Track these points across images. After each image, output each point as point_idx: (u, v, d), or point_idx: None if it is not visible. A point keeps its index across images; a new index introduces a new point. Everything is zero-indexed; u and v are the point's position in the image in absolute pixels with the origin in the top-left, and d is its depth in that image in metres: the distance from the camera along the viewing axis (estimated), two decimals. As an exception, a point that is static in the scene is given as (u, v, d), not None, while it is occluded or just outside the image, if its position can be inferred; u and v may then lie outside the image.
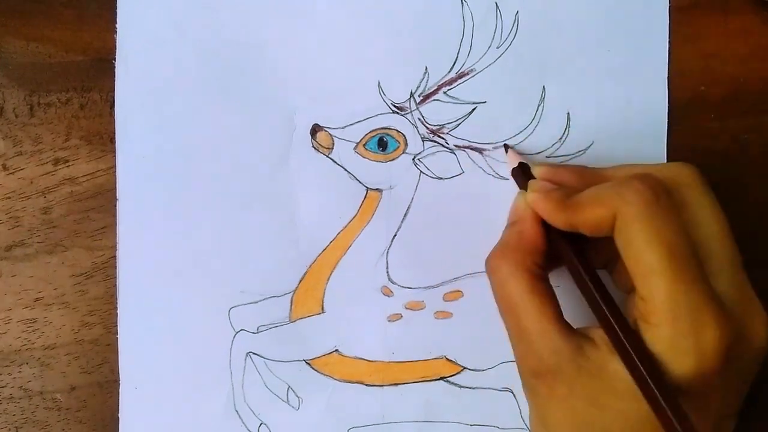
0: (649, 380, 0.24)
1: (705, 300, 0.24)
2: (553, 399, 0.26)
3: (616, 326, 0.25)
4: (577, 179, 0.30)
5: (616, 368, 0.25)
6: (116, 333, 0.35)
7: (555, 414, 0.27)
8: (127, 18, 0.35)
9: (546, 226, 0.29)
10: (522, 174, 0.33)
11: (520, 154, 0.35)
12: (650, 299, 0.25)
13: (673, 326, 0.24)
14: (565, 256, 0.29)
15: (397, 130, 0.36)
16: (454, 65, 0.36)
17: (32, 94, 0.35)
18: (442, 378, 0.36)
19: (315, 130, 0.35)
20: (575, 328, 0.28)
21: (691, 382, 0.24)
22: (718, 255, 0.27)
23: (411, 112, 0.36)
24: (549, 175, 0.31)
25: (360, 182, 0.36)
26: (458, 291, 0.36)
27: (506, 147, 0.35)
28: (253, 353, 0.35)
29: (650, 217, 0.25)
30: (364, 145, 0.35)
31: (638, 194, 0.25)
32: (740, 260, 0.27)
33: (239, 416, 0.35)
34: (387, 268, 0.36)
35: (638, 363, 0.24)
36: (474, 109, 0.36)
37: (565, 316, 0.28)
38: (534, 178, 0.32)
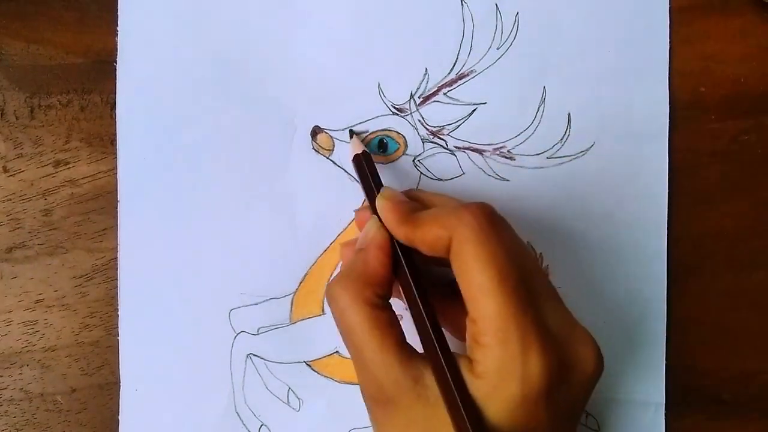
0: (466, 420, 0.24)
1: (533, 325, 0.25)
2: (393, 426, 0.27)
3: (440, 355, 0.26)
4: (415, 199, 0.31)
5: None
6: (117, 335, 0.35)
7: None
8: (128, 20, 0.35)
9: (393, 254, 0.29)
10: (366, 166, 0.32)
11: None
12: (480, 320, 0.25)
13: (503, 347, 0.25)
14: (400, 275, 0.29)
15: (397, 132, 0.36)
16: (454, 66, 0.36)
17: (33, 96, 0.35)
18: (442, 379, 0.36)
19: (315, 131, 0.35)
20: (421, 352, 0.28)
21: (517, 409, 0.24)
22: (546, 286, 0.28)
23: (411, 113, 0.36)
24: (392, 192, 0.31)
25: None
26: (459, 292, 0.36)
27: (351, 132, 0.35)
28: (254, 355, 0.35)
29: (484, 241, 0.26)
30: (364, 147, 0.35)
31: (475, 218, 0.26)
32: (559, 296, 0.28)
33: (240, 418, 0.35)
34: (387, 269, 0.36)
35: (458, 403, 0.24)
36: (474, 111, 0.36)
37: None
38: (378, 178, 0.32)
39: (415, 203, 0.30)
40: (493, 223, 0.26)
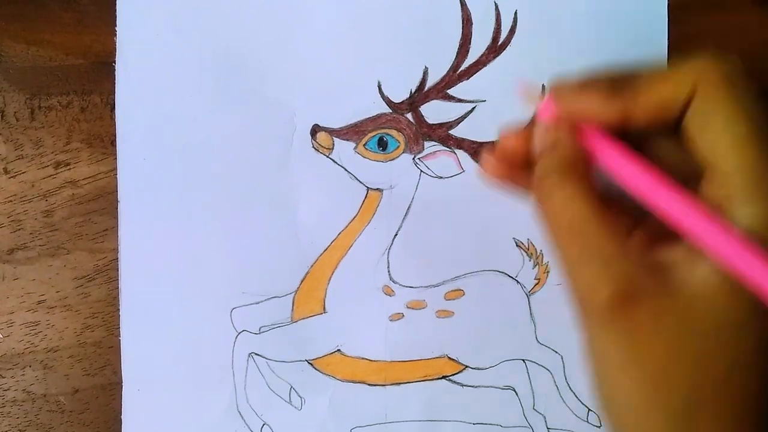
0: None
1: None
2: (639, 331, 0.22)
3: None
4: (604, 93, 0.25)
5: (704, 273, 0.22)
6: (119, 335, 0.35)
7: (643, 348, 0.23)
8: (127, 21, 0.35)
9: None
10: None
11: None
12: (742, 172, 0.22)
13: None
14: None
15: (397, 130, 0.36)
16: (453, 65, 0.36)
17: (33, 97, 0.35)
18: (444, 377, 0.36)
19: (315, 130, 0.35)
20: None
21: None
22: None
23: (411, 111, 0.36)
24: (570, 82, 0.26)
25: (360, 182, 0.36)
26: (459, 290, 0.36)
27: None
28: (256, 354, 0.35)
29: (736, 87, 0.23)
30: (364, 145, 0.35)
31: (719, 63, 0.23)
32: None
33: (242, 417, 0.35)
34: (388, 267, 0.36)
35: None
36: (474, 108, 0.36)
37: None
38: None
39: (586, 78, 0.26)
40: (737, 68, 0.23)
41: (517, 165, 0.27)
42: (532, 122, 0.27)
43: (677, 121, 0.24)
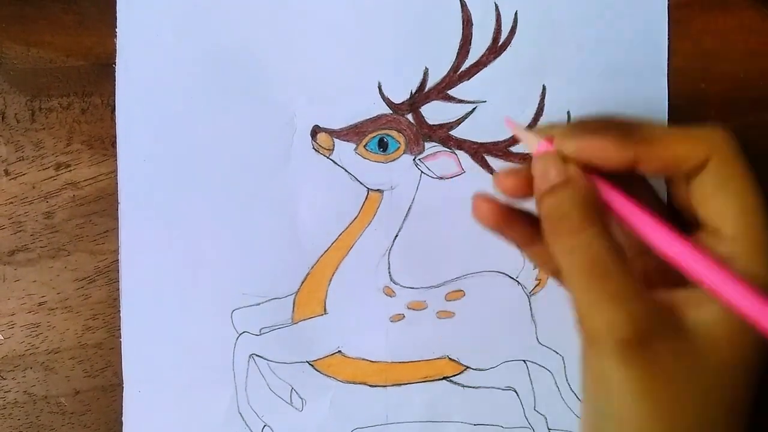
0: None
1: None
2: (656, 366, 0.24)
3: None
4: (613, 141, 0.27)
5: (714, 318, 0.24)
6: (119, 337, 0.35)
7: (658, 382, 0.24)
8: (127, 22, 0.35)
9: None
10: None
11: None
12: (747, 237, 0.25)
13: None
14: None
15: (398, 131, 0.36)
16: (453, 65, 0.36)
17: (33, 99, 0.35)
18: (445, 378, 0.36)
19: (315, 131, 0.35)
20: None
21: None
22: None
23: (411, 112, 0.36)
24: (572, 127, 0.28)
25: (361, 183, 0.36)
26: (460, 290, 0.36)
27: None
28: (256, 355, 0.35)
29: (744, 164, 0.26)
30: (364, 146, 0.35)
31: (731, 138, 0.26)
32: None
33: (243, 418, 0.35)
34: (389, 268, 0.36)
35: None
36: (474, 109, 0.36)
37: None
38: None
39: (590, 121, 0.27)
40: (737, 145, 0.26)
41: (512, 213, 0.29)
42: (526, 161, 0.27)
43: (680, 177, 0.27)
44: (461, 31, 0.36)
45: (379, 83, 0.35)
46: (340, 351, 0.36)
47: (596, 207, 0.26)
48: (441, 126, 0.36)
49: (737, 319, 0.24)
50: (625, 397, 0.24)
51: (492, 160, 0.36)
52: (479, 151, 0.36)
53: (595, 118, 0.28)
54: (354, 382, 0.36)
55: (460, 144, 0.36)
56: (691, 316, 0.24)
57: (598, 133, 0.26)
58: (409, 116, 0.36)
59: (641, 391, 0.24)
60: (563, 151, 0.26)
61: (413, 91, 0.36)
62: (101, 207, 0.35)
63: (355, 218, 0.36)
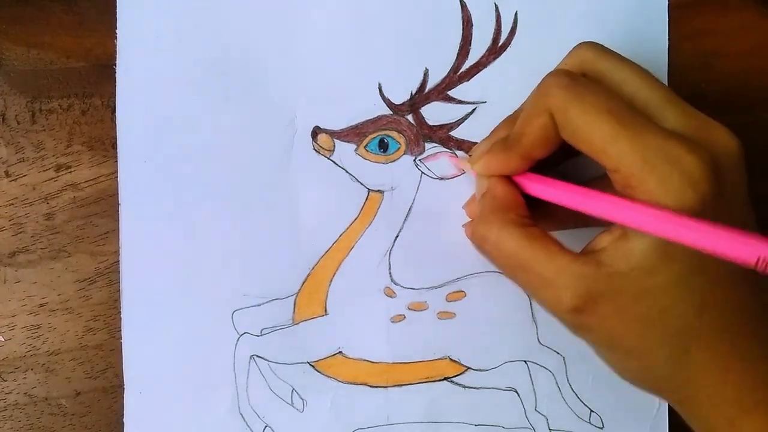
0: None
1: (666, 137, 0.25)
2: (608, 321, 0.26)
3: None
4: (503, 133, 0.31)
5: (638, 245, 0.25)
6: (120, 338, 0.35)
7: (617, 332, 0.26)
8: (128, 24, 0.35)
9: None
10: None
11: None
12: (621, 165, 0.25)
13: (656, 173, 0.24)
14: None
15: (398, 132, 0.36)
16: (453, 66, 0.36)
17: (34, 100, 0.35)
18: (446, 378, 0.36)
19: (316, 132, 0.35)
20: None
21: (698, 213, 0.24)
22: (652, 98, 0.27)
23: (411, 113, 0.36)
24: (483, 146, 0.32)
25: (361, 184, 0.36)
26: (461, 291, 0.36)
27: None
28: (257, 356, 0.35)
29: (580, 96, 0.26)
30: (365, 147, 0.36)
31: (557, 84, 0.26)
32: (674, 94, 0.28)
33: (243, 419, 0.35)
34: (389, 269, 0.36)
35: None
36: (474, 110, 0.36)
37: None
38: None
39: (496, 139, 0.31)
40: (574, 78, 0.27)
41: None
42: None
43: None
44: (461, 31, 0.36)
45: (380, 84, 0.35)
46: (340, 352, 0.36)
47: (504, 206, 0.29)
48: (441, 127, 0.36)
49: (663, 243, 0.25)
50: (599, 352, 0.28)
51: (492, 161, 0.36)
52: (479, 152, 0.36)
53: (495, 130, 0.33)
54: (355, 383, 0.36)
55: (461, 145, 0.36)
56: (617, 254, 0.26)
57: (492, 151, 0.30)
58: (410, 117, 0.36)
59: (607, 342, 0.27)
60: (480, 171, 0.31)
61: (413, 92, 0.36)
62: (102, 208, 0.35)
63: (356, 219, 0.36)
